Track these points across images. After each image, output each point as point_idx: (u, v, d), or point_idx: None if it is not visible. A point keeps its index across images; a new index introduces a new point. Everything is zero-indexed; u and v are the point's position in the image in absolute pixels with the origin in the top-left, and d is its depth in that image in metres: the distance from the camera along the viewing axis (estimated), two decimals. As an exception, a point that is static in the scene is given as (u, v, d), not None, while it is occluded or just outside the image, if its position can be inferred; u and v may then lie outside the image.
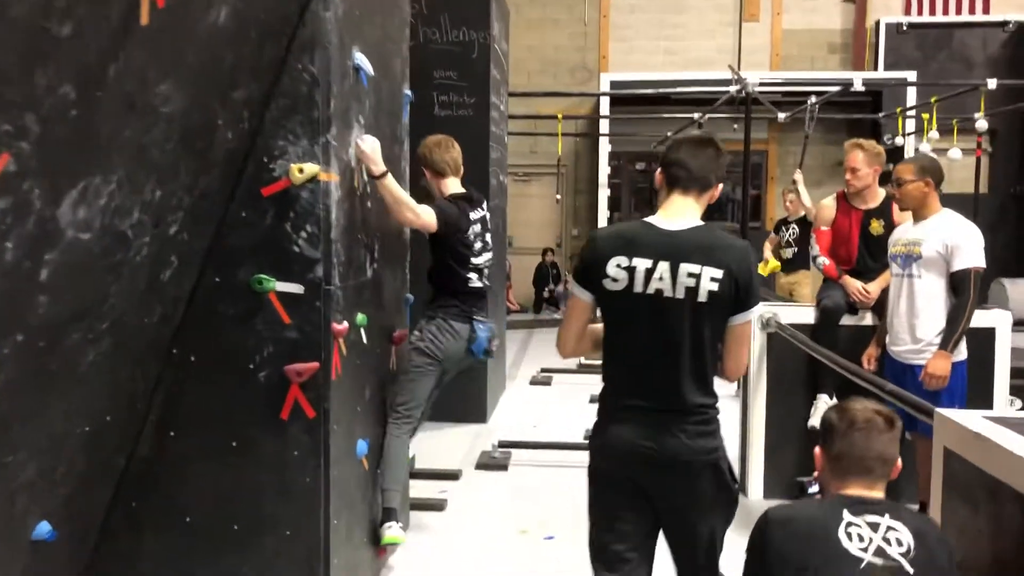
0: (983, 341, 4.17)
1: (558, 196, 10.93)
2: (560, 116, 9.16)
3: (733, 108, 9.49)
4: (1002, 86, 7.75)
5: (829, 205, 4.58)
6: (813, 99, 8.02)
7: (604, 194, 12.54)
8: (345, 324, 2.88)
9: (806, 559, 1.85)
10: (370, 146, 3.08)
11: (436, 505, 4.26)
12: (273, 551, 2.80)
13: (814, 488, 4.05)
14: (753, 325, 3.36)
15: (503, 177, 6.68)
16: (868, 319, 4.37)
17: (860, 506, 1.91)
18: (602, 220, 12.59)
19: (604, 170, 12.47)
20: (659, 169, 2.42)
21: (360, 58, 2.99)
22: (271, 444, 2.80)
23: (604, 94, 10.51)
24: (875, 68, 11.69)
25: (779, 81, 9.83)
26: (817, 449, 2.07)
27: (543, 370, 7.69)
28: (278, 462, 2.80)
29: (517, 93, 7.79)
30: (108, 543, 2.74)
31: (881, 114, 10.10)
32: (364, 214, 3.17)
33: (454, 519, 4.19)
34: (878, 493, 1.97)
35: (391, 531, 3.42)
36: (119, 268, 2.18)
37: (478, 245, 3.82)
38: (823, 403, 4.28)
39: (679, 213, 2.34)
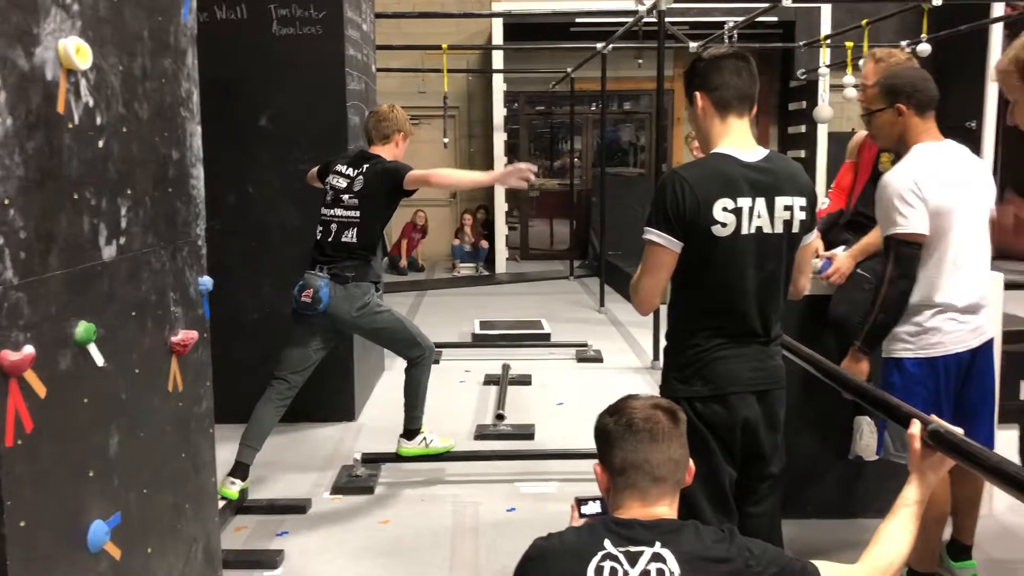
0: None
1: (445, 140, 9.73)
2: (445, 47, 7.91)
3: (637, 41, 8.46)
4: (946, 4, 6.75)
5: (861, 133, 3.54)
6: (731, 23, 7.05)
7: (500, 138, 11.45)
8: (28, 350, 1.69)
9: None
10: None
11: (266, 562, 3.12)
12: None
13: None
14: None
15: (371, 115, 5.45)
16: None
17: (626, 531, 1.66)
18: (498, 167, 11.49)
19: (499, 112, 11.34)
20: (697, 94, 2.30)
21: None
22: (-101, 565, 1.61)
23: (495, 15, 9.28)
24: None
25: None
26: (596, 467, 1.82)
27: (430, 345, 6.56)
28: (-86, 594, 1.62)
29: (387, 14, 6.52)
30: None
31: (801, 43, 9.20)
32: (90, 156, 1.96)
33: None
34: (665, 509, 1.73)
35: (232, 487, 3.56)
36: None
37: (328, 197, 3.86)
38: (867, 426, 3.23)
39: (747, 141, 2.29)
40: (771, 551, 1.70)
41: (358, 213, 3.77)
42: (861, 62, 3.51)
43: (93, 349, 1.96)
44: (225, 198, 4.64)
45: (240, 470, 3.60)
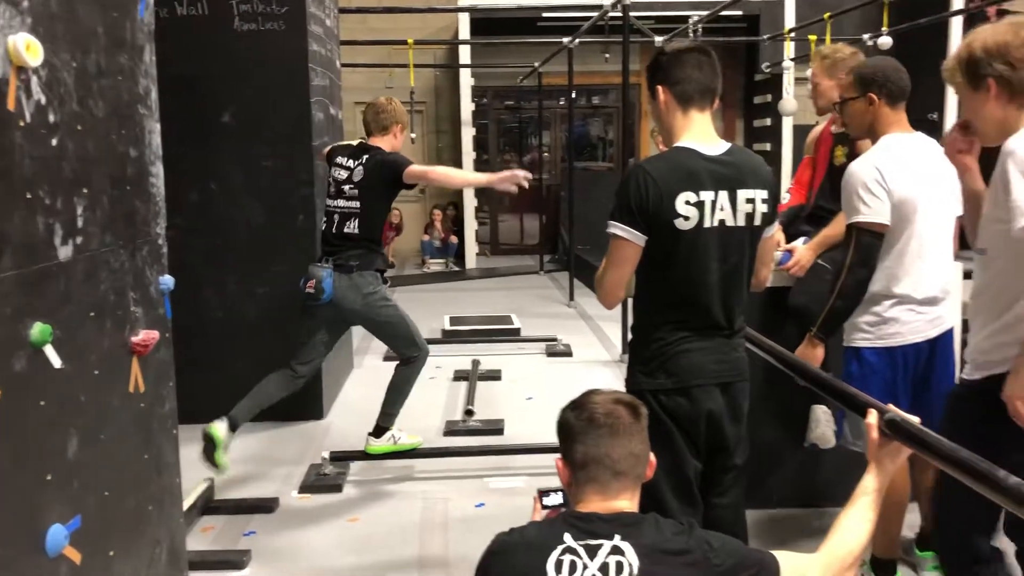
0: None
1: (412, 135, 9.67)
2: (411, 41, 7.88)
3: (604, 36, 8.46)
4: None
5: (818, 128, 3.57)
6: (696, 17, 7.09)
7: (469, 133, 11.42)
8: (-20, 353, 1.66)
9: None
10: None
11: (233, 562, 3.10)
12: None
13: None
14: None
15: (335, 110, 5.42)
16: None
17: (586, 524, 1.68)
18: (467, 162, 11.47)
19: (467, 107, 11.31)
20: (659, 88, 2.30)
21: None
22: None
23: (461, 10, 9.24)
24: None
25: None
26: (558, 461, 1.83)
27: (399, 341, 6.53)
28: None
29: (350, 10, 6.47)
30: None
31: (765, 37, 9.28)
32: (43, 154, 1.93)
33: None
34: (625, 503, 1.75)
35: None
36: None
37: (331, 189, 3.96)
38: (823, 415, 3.21)
39: (709, 134, 2.29)
40: (731, 543, 1.72)
41: (358, 204, 3.86)
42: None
43: (49, 350, 1.93)
44: (187, 196, 4.59)
45: (231, 419, 3.64)
